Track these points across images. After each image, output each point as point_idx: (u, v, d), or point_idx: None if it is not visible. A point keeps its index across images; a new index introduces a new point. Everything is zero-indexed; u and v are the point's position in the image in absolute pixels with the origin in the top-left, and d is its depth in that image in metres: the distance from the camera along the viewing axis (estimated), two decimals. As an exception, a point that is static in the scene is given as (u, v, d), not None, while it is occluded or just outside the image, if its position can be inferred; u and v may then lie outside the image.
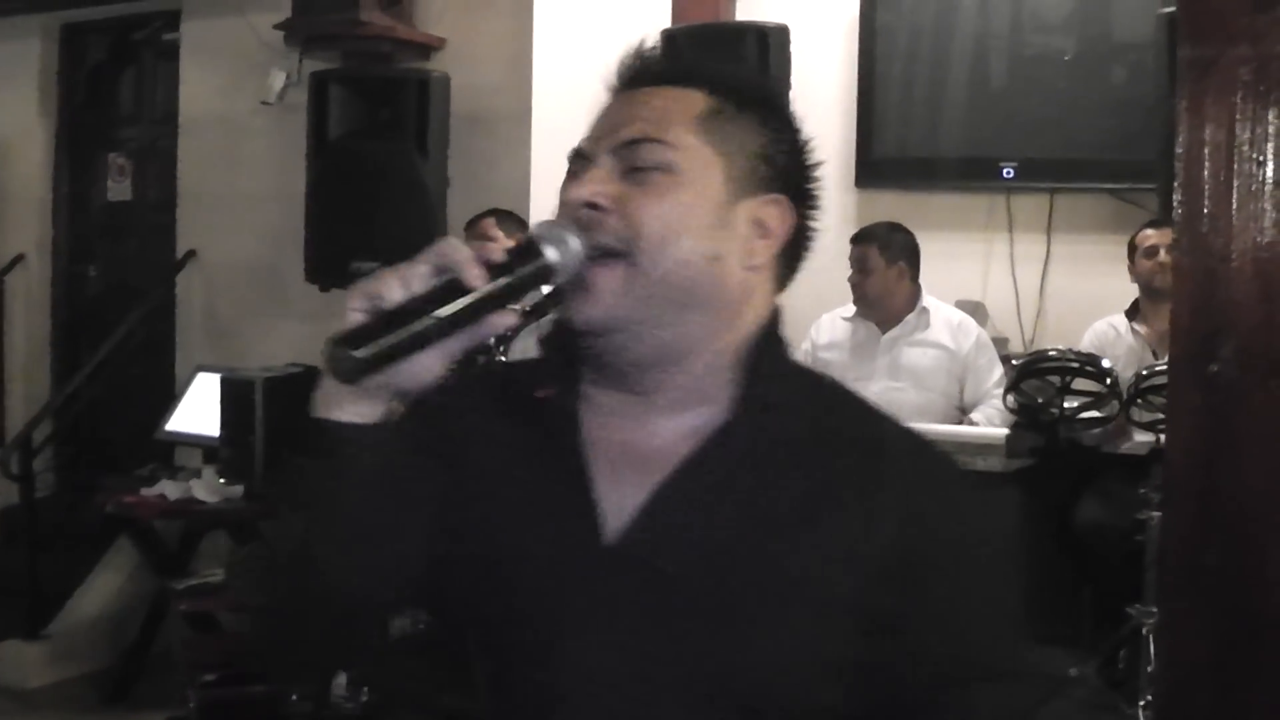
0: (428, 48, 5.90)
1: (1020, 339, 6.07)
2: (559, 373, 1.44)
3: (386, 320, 1.25)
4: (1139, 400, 4.39)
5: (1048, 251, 6.08)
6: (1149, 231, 5.19)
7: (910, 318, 5.25)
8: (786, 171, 1.44)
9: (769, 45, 5.66)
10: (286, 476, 1.36)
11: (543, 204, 5.63)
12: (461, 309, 1.27)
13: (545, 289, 1.35)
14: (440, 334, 1.26)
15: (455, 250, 1.28)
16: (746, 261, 1.40)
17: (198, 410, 5.80)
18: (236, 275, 6.44)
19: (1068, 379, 4.52)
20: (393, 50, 5.85)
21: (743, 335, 1.41)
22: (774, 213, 1.42)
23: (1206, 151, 1.85)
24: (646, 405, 1.41)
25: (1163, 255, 5.09)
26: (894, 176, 6.34)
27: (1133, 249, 5.24)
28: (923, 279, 5.40)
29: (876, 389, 5.04)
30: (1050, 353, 4.72)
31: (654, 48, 1.47)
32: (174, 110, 6.77)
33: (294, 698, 4.49)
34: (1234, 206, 1.82)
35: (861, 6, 6.35)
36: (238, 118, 6.32)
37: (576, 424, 1.42)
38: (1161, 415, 4.26)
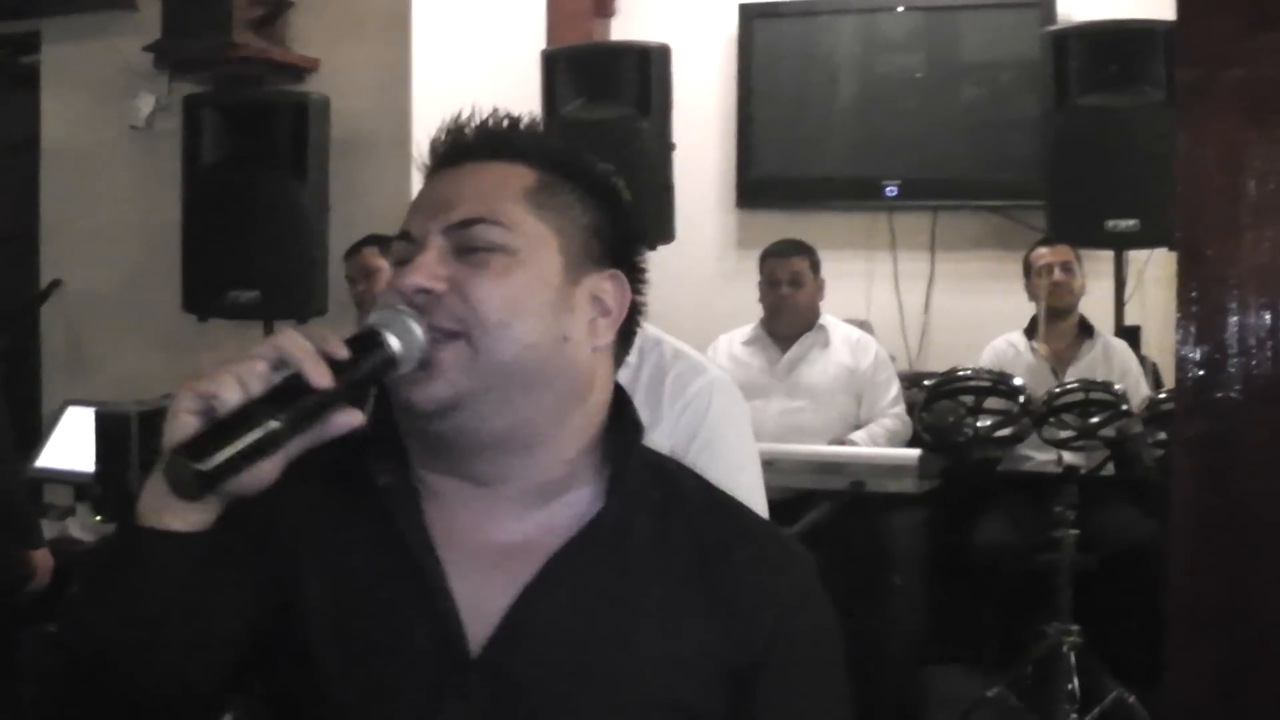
0: (301, 70, 5.74)
1: (906, 357, 6.11)
2: (390, 452, 1.36)
3: (226, 427, 1.17)
4: (1050, 419, 4.39)
5: (932, 269, 6.14)
6: (1043, 250, 5.21)
7: (808, 335, 5.23)
8: (616, 245, 1.40)
9: (650, 65, 5.66)
10: (90, 573, 1.29)
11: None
12: (305, 411, 1.20)
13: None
14: (284, 439, 1.19)
15: (294, 344, 1.20)
16: (592, 342, 1.37)
17: (68, 446, 5.58)
18: (106, 306, 6.21)
19: (980, 399, 4.51)
20: (266, 73, 5.69)
21: (593, 420, 1.38)
22: (611, 289, 1.39)
23: (1206, 175, 1.83)
24: (493, 497, 1.35)
25: (1057, 274, 5.13)
26: (775, 196, 6.37)
27: (1027, 267, 5.25)
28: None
29: (775, 409, 5.03)
30: (960, 373, 4.70)
31: (470, 122, 1.40)
32: (35, 137, 6.52)
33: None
34: (1236, 229, 1.80)
35: (739, 26, 6.36)
36: (105, 144, 6.09)
37: (421, 515, 1.33)
38: (1074, 433, 4.28)
